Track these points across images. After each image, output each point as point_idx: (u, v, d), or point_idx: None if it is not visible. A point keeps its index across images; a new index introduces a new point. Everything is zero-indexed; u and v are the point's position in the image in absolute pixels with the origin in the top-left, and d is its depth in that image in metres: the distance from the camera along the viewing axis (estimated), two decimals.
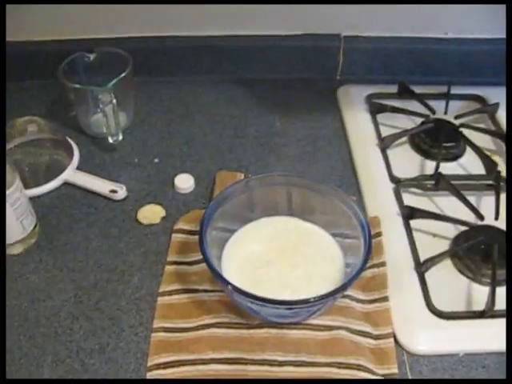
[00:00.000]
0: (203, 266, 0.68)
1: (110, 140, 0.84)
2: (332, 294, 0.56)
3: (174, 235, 0.73)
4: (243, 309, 0.63)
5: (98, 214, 0.77)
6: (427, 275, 0.69)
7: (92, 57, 0.88)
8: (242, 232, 0.70)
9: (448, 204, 0.79)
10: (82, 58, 0.88)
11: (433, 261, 0.69)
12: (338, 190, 0.68)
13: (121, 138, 0.84)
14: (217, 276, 0.58)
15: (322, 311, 0.62)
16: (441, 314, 0.65)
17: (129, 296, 0.68)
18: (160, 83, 1.00)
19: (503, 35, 0.86)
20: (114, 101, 0.80)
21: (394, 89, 0.98)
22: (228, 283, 0.57)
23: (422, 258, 0.70)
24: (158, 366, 0.60)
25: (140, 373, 0.61)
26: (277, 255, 0.67)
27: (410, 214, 0.75)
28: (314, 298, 0.55)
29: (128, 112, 0.91)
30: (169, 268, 0.70)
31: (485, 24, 0.99)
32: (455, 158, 0.88)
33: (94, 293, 0.68)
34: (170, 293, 0.67)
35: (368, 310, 0.66)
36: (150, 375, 0.60)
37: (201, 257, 0.61)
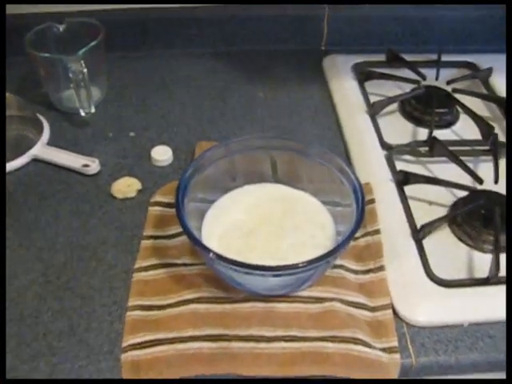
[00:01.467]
0: (182, 239, 0.63)
1: (82, 113, 0.78)
2: (322, 259, 0.51)
3: (150, 208, 0.68)
4: (226, 281, 0.57)
5: (70, 190, 0.72)
6: (425, 242, 0.64)
7: (61, 28, 0.83)
8: (222, 201, 0.65)
9: (443, 171, 0.74)
10: (50, 28, 0.83)
11: (430, 226, 0.64)
12: (328, 152, 0.62)
13: (93, 110, 0.79)
14: (196, 243, 0.53)
15: (312, 281, 0.57)
16: (442, 282, 0.60)
17: (101, 274, 0.62)
18: (135, 57, 0.95)
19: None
20: (85, 70, 0.75)
21: (381, 57, 0.94)
22: (210, 251, 0.52)
23: (419, 224, 0.65)
24: (134, 347, 0.55)
25: (114, 354, 0.55)
26: (262, 224, 0.61)
27: (404, 179, 0.70)
28: (304, 262, 0.50)
29: (101, 86, 0.86)
30: (145, 243, 0.64)
31: None
32: (449, 124, 0.83)
33: (64, 272, 0.62)
34: (146, 268, 0.62)
35: (363, 280, 0.61)
36: (125, 356, 0.54)
37: (180, 230, 0.56)
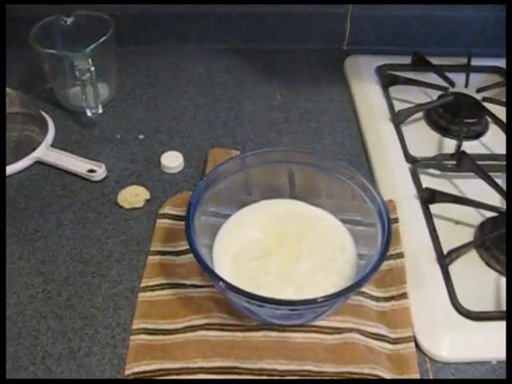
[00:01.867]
0: (192, 256, 0.58)
1: (89, 113, 0.74)
2: (343, 294, 0.47)
3: (158, 221, 0.64)
4: (238, 308, 0.53)
5: (74, 197, 0.68)
6: (451, 268, 0.60)
7: (69, 21, 0.79)
8: (236, 217, 0.60)
9: (471, 187, 0.69)
10: (57, 21, 0.78)
11: (458, 252, 0.60)
12: (349, 167, 0.58)
13: (100, 111, 0.75)
14: (206, 270, 0.49)
15: (330, 311, 0.53)
16: (469, 314, 0.55)
17: (105, 292, 0.58)
18: (147, 53, 0.90)
19: None
20: (93, 68, 0.70)
21: (407, 60, 0.89)
22: (220, 279, 0.47)
23: (445, 248, 0.61)
24: (138, 375, 0.51)
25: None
26: (278, 244, 0.57)
27: (429, 197, 0.66)
28: (323, 297, 0.46)
29: (110, 83, 0.82)
30: (152, 259, 0.60)
31: None
32: (478, 135, 0.78)
33: (66, 288, 0.59)
34: (153, 288, 0.58)
35: (384, 308, 0.56)
36: None
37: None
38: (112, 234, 0.64)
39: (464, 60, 0.88)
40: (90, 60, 0.70)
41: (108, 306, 0.57)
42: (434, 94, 0.83)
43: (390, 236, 0.51)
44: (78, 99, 0.76)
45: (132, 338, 0.54)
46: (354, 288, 0.47)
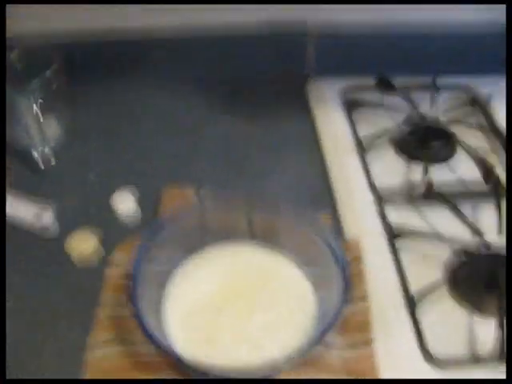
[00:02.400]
0: None
1: (36, 155, 0.70)
2: (300, 355, 0.43)
3: (108, 270, 0.60)
4: None
5: (18, 247, 0.63)
6: (419, 310, 0.56)
7: (12, 55, 0.74)
8: (189, 266, 0.57)
9: (440, 216, 0.66)
10: None
11: (426, 293, 0.57)
12: (305, 212, 0.55)
13: (47, 151, 0.71)
14: (152, 341, 0.45)
15: (288, 367, 0.49)
16: (438, 362, 0.52)
17: (52, 350, 0.54)
18: (101, 86, 0.85)
19: (492, 17, 0.74)
20: (35, 108, 0.66)
21: (371, 82, 0.86)
22: (173, 353, 0.44)
23: (413, 288, 0.58)
24: None
25: None
26: (233, 297, 0.54)
27: (395, 233, 0.63)
28: (272, 364, 0.42)
29: (61, 120, 0.77)
30: (102, 311, 0.56)
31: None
32: (444, 159, 0.75)
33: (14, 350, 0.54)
34: (101, 345, 0.54)
35: (347, 357, 0.53)
36: None
37: None
38: (57, 285, 0.60)
39: (429, 79, 0.86)
40: (32, 98, 0.66)
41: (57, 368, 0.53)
42: (400, 117, 0.80)
43: (348, 284, 0.47)
44: (24, 140, 0.72)
45: None
46: (307, 348, 0.44)
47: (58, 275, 0.60)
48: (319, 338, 0.44)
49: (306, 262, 0.56)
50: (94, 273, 0.60)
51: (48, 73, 0.69)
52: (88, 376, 0.51)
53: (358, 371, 0.52)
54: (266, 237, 0.58)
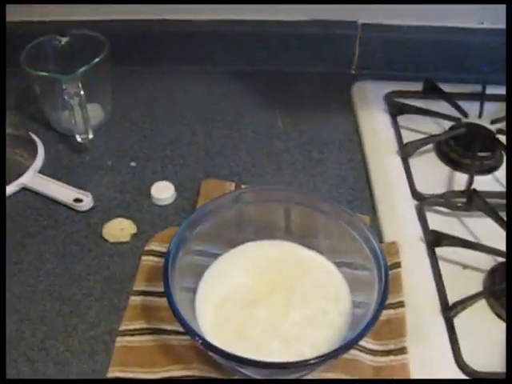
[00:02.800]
0: None
1: (78, 139, 0.71)
2: (332, 356, 0.42)
3: (144, 258, 0.60)
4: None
5: (58, 228, 0.64)
6: (456, 320, 0.55)
7: (63, 40, 0.76)
8: (225, 258, 0.56)
9: (482, 227, 0.64)
10: (51, 41, 0.76)
11: (464, 303, 0.55)
12: (347, 210, 0.54)
13: (91, 136, 0.71)
14: (182, 322, 0.45)
15: (321, 368, 0.48)
16: (473, 374, 0.50)
17: (82, 334, 0.54)
18: (144, 74, 0.87)
19: None
20: (82, 92, 0.67)
21: (418, 86, 0.84)
22: (196, 336, 0.43)
23: (451, 297, 0.56)
24: None
25: None
26: (268, 291, 0.53)
27: (436, 240, 0.61)
28: (309, 360, 0.41)
29: (104, 106, 0.78)
30: (134, 299, 0.56)
31: None
32: (491, 170, 0.73)
33: (41, 328, 0.55)
34: (133, 332, 0.54)
35: (380, 364, 0.52)
36: None
37: None
38: (94, 270, 0.60)
39: (478, 88, 0.84)
40: (79, 83, 0.67)
41: (84, 351, 0.53)
42: (446, 124, 0.78)
43: (387, 287, 0.46)
44: (69, 122, 0.73)
45: None
46: (344, 348, 0.43)
47: (92, 260, 0.61)
48: (355, 340, 0.43)
49: (343, 261, 0.55)
50: (129, 260, 0.61)
51: (97, 60, 0.70)
52: (116, 364, 0.51)
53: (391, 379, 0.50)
54: (304, 233, 0.57)
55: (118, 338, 0.53)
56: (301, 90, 0.85)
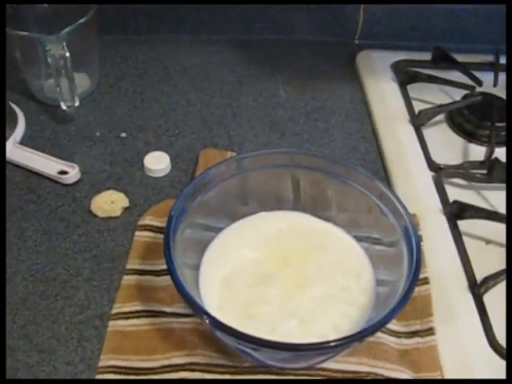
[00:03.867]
0: None
1: (64, 106, 0.65)
2: (360, 337, 0.37)
3: (137, 233, 0.54)
4: (228, 345, 0.43)
5: (41, 203, 0.58)
6: (486, 298, 0.50)
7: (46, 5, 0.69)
8: (230, 232, 0.50)
9: (502, 200, 0.59)
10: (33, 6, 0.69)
11: (496, 279, 0.50)
12: (365, 173, 0.48)
13: (77, 103, 0.65)
14: (187, 299, 0.39)
15: (344, 352, 0.43)
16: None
17: (69, 318, 0.48)
18: (135, 43, 0.80)
19: None
20: (68, 54, 0.61)
21: (426, 56, 0.79)
22: (204, 313, 0.37)
23: (477, 274, 0.51)
24: None
25: None
26: (280, 267, 0.47)
27: (459, 212, 0.56)
28: (338, 340, 0.36)
29: (91, 74, 0.72)
30: (128, 279, 0.50)
31: None
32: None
33: (23, 312, 0.49)
34: (127, 315, 0.48)
35: (406, 346, 0.46)
36: None
37: None
38: (82, 247, 0.54)
39: (490, 58, 0.79)
40: (64, 44, 0.60)
41: (72, 337, 0.47)
42: (457, 95, 0.73)
43: (419, 260, 0.41)
44: (53, 91, 0.66)
45: (98, 377, 0.44)
46: (373, 329, 0.37)
47: (80, 237, 0.55)
48: (385, 320, 0.38)
49: (361, 235, 0.50)
50: (120, 236, 0.55)
51: (82, 21, 0.63)
52: (109, 351, 0.45)
53: (418, 363, 0.45)
54: (316, 203, 0.51)
55: (111, 323, 0.47)
56: (302, 59, 0.79)
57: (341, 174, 0.49)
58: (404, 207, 0.44)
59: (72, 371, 0.45)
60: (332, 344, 0.36)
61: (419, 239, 0.42)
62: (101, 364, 0.45)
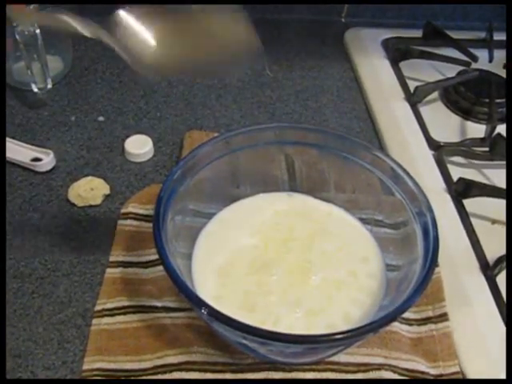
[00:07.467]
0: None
1: (35, 89, 0.60)
2: (376, 327, 0.33)
3: (120, 222, 0.49)
4: (228, 341, 0.39)
5: (13, 193, 0.53)
6: (499, 280, 0.46)
7: None
8: (222, 217, 0.46)
9: (502, 176, 0.56)
10: None
11: (503, 259, 0.47)
12: (368, 145, 0.44)
13: (50, 86, 0.60)
14: (183, 290, 0.34)
15: (356, 344, 0.39)
16: None
17: (48, 317, 0.43)
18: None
19: None
20: (38, 31, 0.56)
21: (416, 33, 0.76)
22: (202, 304, 0.33)
23: (487, 254, 0.48)
24: None
25: None
26: (280, 252, 0.43)
27: (464, 190, 0.53)
28: (354, 330, 0.32)
29: (64, 55, 0.67)
30: (112, 272, 0.46)
31: None
32: (505, 119, 0.65)
33: None
34: (112, 312, 0.43)
35: (419, 334, 0.43)
36: None
37: None
38: (60, 239, 0.49)
39: (482, 35, 0.76)
40: (35, 27, 0.55)
41: (51, 338, 0.42)
42: (450, 72, 0.70)
43: (437, 240, 0.37)
44: (23, 74, 0.61)
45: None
46: (392, 317, 0.34)
47: (57, 229, 0.50)
48: (402, 308, 0.34)
49: (365, 214, 0.46)
50: (102, 226, 0.50)
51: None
52: (94, 352, 0.41)
53: (433, 351, 0.42)
54: (311, 183, 0.48)
55: (94, 321, 0.43)
56: (288, 37, 0.75)
57: (339, 148, 0.45)
58: (416, 183, 0.41)
59: (52, 377, 0.40)
60: (348, 334, 0.32)
61: (435, 219, 0.39)
62: (85, 367, 0.40)
